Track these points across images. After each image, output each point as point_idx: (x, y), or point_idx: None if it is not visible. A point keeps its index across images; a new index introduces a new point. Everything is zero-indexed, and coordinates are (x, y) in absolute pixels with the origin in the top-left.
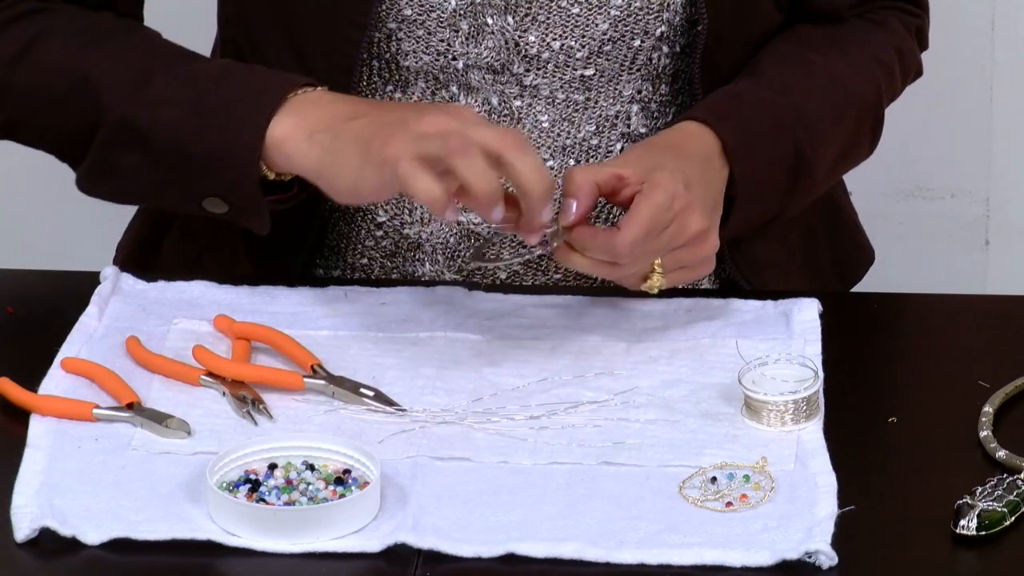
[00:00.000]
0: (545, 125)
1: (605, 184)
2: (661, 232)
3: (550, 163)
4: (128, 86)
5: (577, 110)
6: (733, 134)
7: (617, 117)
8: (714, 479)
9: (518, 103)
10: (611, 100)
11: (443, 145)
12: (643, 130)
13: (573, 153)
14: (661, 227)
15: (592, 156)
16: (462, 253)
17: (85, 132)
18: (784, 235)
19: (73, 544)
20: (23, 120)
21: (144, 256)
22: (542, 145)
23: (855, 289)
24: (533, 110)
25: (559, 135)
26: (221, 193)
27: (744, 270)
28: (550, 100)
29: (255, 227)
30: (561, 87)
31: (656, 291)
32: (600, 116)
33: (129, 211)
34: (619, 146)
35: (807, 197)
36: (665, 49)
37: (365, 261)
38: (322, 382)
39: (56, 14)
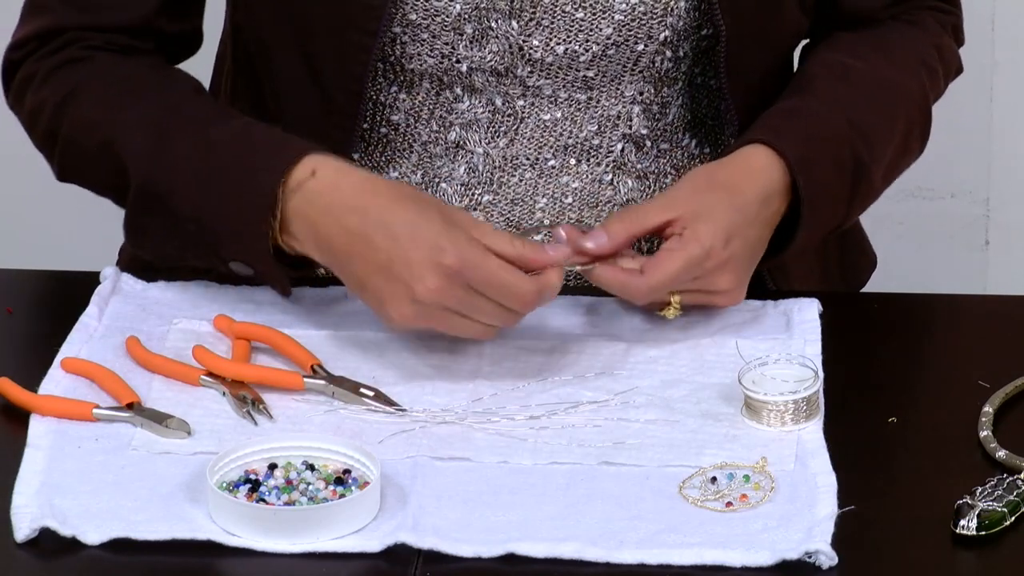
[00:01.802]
0: (548, 124)
1: (645, 234)
2: (688, 281)
3: (552, 162)
4: (148, 151)
5: (579, 109)
6: (795, 151)
7: (619, 117)
8: (714, 479)
9: (521, 103)
10: (613, 100)
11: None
12: (644, 131)
13: (575, 152)
14: (690, 277)
15: (593, 156)
16: None
17: (118, 191)
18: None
19: (73, 544)
20: (70, 170)
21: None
22: (544, 144)
23: (865, 285)
24: (536, 108)
25: (561, 134)
26: (242, 259)
27: (780, 284)
28: (552, 99)
29: (278, 291)
30: (564, 86)
31: (670, 318)
32: (602, 116)
33: None
34: (619, 146)
35: (866, 205)
36: (668, 53)
37: None
38: (322, 382)
39: (94, 65)
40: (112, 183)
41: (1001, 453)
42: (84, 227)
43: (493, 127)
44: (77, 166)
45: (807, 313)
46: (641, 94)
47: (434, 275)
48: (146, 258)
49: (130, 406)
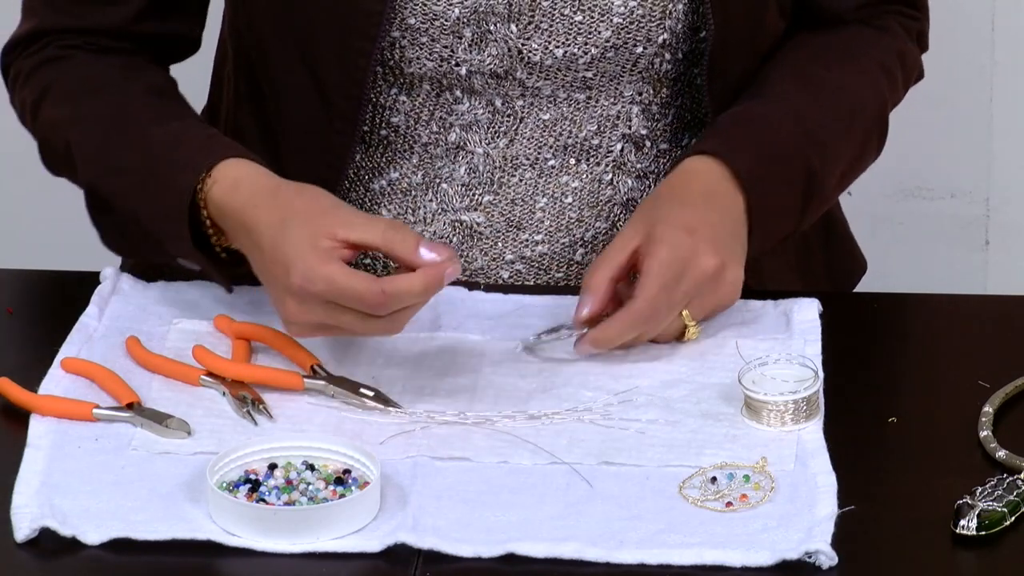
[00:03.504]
0: (547, 123)
1: (621, 273)
2: (678, 283)
3: (551, 162)
4: (94, 151)
5: (579, 109)
6: (747, 165)
7: (618, 117)
8: (714, 479)
9: (520, 103)
10: (612, 100)
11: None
12: (643, 131)
13: (575, 152)
14: (676, 278)
15: (593, 155)
16: (464, 252)
17: (82, 189)
18: (782, 248)
19: (73, 544)
20: (52, 166)
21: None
22: (544, 144)
23: (856, 289)
24: (535, 108)
25: (561, 134)
26: (179, 256)
27: (752, 284)
28: (552, 99)
29: (221, 285)
30: (563, 87)
31: (696, 338)
32: (601, 116)
33: None
34: (619, 146)
35: (818, 212)
36: (667, 56)
37: (368, 261)
38: (322, 382)
39: (67, 64)
40: (77, 183)
41: (1001, 453)
42: (84, 227)
43: (493, 128)
44: (55, 163)
45: (807, 313)
46: (640, 94)
47: (290, 298)
48: (121, 256)
49: (130, 406)
